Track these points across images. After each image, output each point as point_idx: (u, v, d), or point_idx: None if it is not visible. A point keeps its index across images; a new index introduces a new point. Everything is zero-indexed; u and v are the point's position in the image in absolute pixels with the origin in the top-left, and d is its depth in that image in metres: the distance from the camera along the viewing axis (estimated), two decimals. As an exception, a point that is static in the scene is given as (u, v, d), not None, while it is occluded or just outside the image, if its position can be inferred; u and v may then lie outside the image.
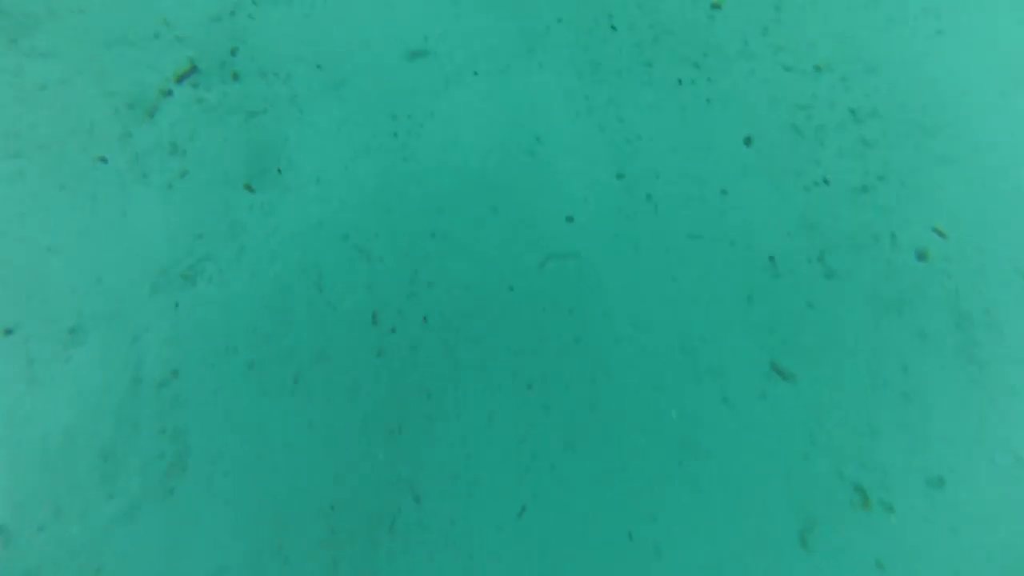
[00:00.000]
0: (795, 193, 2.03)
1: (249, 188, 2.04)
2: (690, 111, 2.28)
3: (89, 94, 2.27)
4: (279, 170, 2.08)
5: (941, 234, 1.94)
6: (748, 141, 2.16)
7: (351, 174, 1.97)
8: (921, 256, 1.90)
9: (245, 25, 2.67)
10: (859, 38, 2.76)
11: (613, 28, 2.71)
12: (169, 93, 2.30)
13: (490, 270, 1.78)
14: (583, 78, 2.36)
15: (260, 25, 2.68)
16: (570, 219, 1.88)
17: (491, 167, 1.97)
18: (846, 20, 2.85)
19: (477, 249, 1.82)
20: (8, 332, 1.74)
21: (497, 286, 1.76)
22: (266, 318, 1.73)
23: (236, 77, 2.42)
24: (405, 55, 2.51)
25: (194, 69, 2.40)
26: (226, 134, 2.15)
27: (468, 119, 2.13)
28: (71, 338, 1.71)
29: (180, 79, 2.36)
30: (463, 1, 2.78)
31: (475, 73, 2.31)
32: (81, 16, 2.64)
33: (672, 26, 2.77)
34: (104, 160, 2.09)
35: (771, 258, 1.88)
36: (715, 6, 2.95)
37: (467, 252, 1.81)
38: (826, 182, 2.05)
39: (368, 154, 2.03)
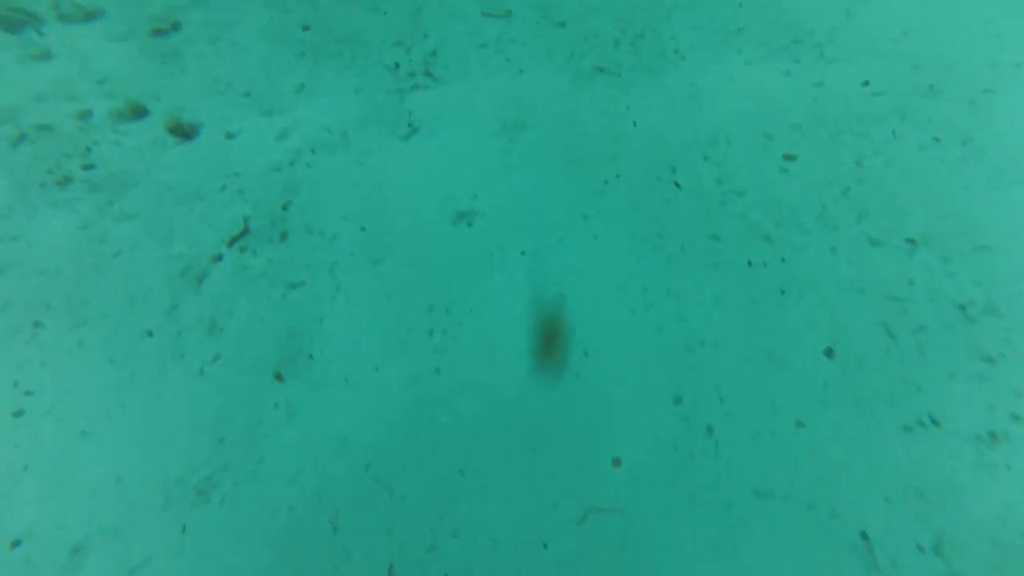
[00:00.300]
0: (892, 434, 1.53)
1: (279, 377, 1.83)
2: (761, 306, 1.86)
3: (153, 259, 2.16)
4: (311, 356, 1.86)
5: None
6: (830, 352, 1.71)
7: (381, 378, 1.71)
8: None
9: (302, 175, 2.54)
10: (962, 203, 2.24)
11: (677, 185, 2.35)
12: (220, 258, 2.17)
13: (523, 521, 1.43)
14: (642, 258, 2.01)
15: (316, 174, 2.54)
16: (617, 461, 1.51)
17: (531, 391, 1.65)
18: (943, 178, 2.35)
19: (510, 495, 1.48)
20: (15, 544, 1.57)
21: (530, 542, 1.41)
22: (274, 559, 1.47)
23: (284, 237, 2.26)
24: (452, 216, 2.26)
25: (246, 231, 2.27)
26: (263, 312, 1.97)
27: (510, 320, 1.83)
28: (71, 560, 1.51)
29: (232, 242, 2.23)
30: (517, 152, 2.53)
31: (522, 253, 2.02)
32: (168, 172, 2.58)
33: (742, 182, 2.38)
34: (151, 334, 1.96)
35: (864, 535, 1.38)
36: (788, 157, 2.53)
37: (498, 497, 1.47)
38: (934, 421, 1.55)
39: (401, 354, 1.76)
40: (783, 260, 1.99)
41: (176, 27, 3.49)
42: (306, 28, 3.51)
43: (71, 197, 2.46)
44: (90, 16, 3.51)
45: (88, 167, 2.61)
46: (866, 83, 2.85)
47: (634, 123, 2.60)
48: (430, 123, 2.73)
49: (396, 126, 2.72)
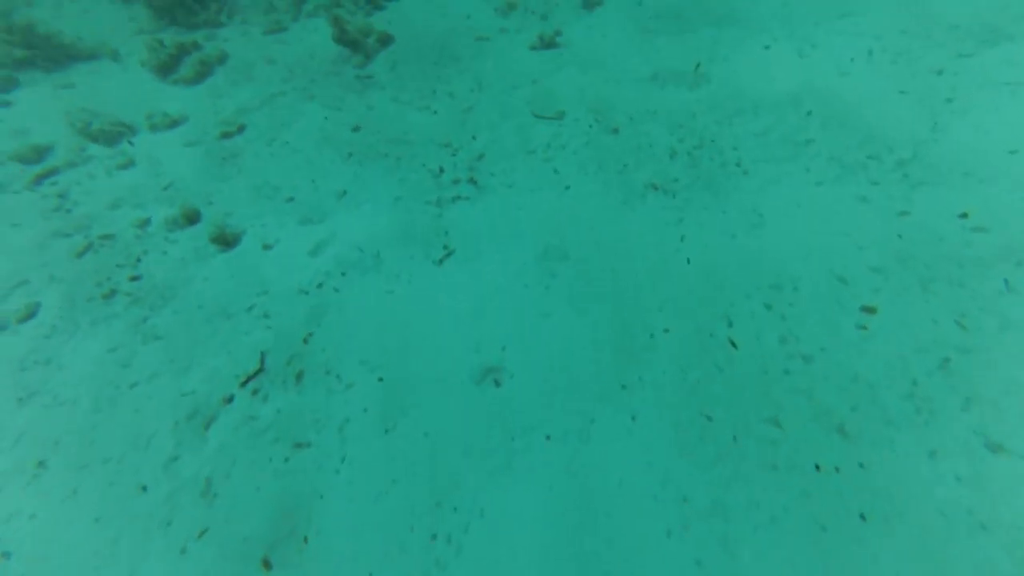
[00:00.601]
0: None
1: (266, 565, 1.58)
2: (833, 538, 1.40)
3: (167, 395, 2.01)
4: (305, 539, 1.60)
5: None
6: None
7: (372, 589, 1.42)
8: None
9: (329, 300, 2.35)
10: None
11: (733, 345, 1.97)
12: (230, 400, 2.00)
13: None
14: (685, 452, 1.61)
15: (343, 300, 2.34)
16: None
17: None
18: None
19: None
20: None
21: None
22: None
23: (299, 378, 2.06)
24: (477, 373, 1.98)
25: (261, 370, 2.10)
26: (262, 478, 1.74)
27: (524, 533, 1.50)
28: None
29: (246, 381, 2.06)
30: (555, 291, 2.24)
31: (547, 438, 1.69)
32: (204, 285, 2.45)
33: (810, 342, 1.95)
34: (145, 489, 1.79)
35: None
36: (867, 310, 2.06)
37: None
38: None
39: (398, 559, 1.44)
40: (862, 466, 1.54)
41: (241, 129, 3.54)
42: (356, 129, 3.45)
43: (111, 313, 2.39)
44: (174, 123, 3.65)
45: (135, 278, 2.57)
46: (964, 215, 2.36)
47: (688, 260, 2.26)
48: (467, 245, 2.50)
49: (431, 246, 2.52)
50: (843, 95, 3.18)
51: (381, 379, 1.91)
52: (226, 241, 2.65)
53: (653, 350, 1.88)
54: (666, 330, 1.94)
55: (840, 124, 2.94)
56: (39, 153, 3.30)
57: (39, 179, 3.12)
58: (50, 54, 4.16)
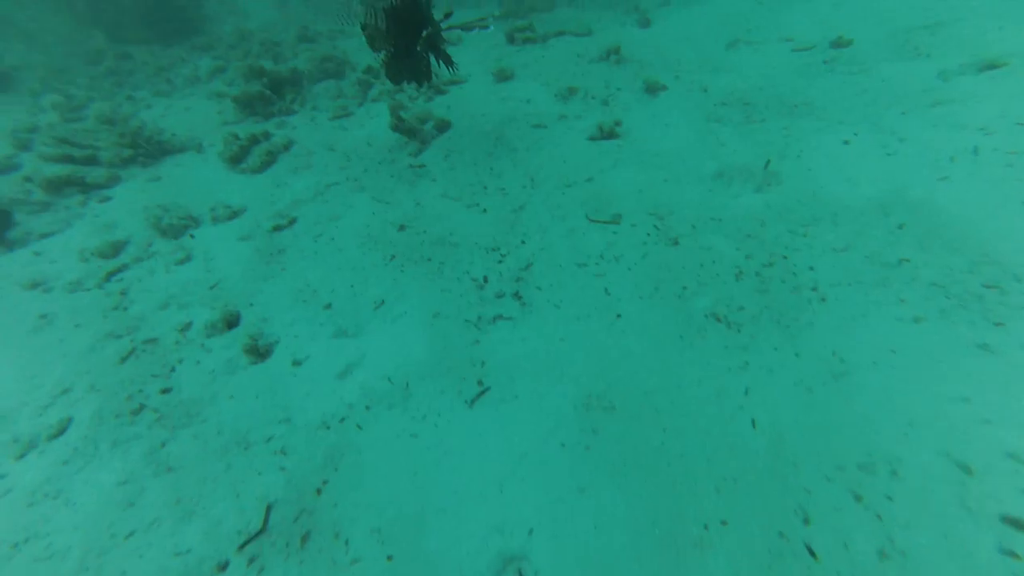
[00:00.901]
0: None
1: None
2: None
3: (160, 552, 1.81)
4: None
5: None
6: None
7: None
8: None
9: (349, 440, 2.13)
10: None
11: (811, 554, 1.51)
12: (224, 568, 1.79)
13: None
14: None
15: (364, 440, 2.11)
16: None
17: None
18: None
19: None
20: None
21: None
22: None
23: (304, 542, 1.83)
24: (496, 563, 1.65)
25: (263, 531, 1.89)
26: None
27: None
28: None
29: (244, 544, 1.85)
30: (596, 456, 1.88)
31: None
32: (229, 404, 2.27)
33: (925, 565, 1.48)
34: None
35: None
36: (1014, 524, 1.55)
37: None
38: None
39: None
40: None
41: (292, 223, 3.55)
42: (402, 228, 3.35)
43: (133, 434, 2.29)
44: (234, 215, 3.73)
45: (165, 391, 2.48)
46: None
47: (753, 422, 1.86)
48: (503, 383, 2.21)
49: (465, 381, 2.25)
50: (944, 204, 2.70)
51: (391, 557, 1.63)
52: (258, 352, 2.53)
53: (707, 550, 1.48)
54: (723, 522, 1.54)
55: (942, 241, 2.46)
56: (115, 249, 3.43)
57: (109, 276, 3.21)
58: (149, 151, 4.48)
